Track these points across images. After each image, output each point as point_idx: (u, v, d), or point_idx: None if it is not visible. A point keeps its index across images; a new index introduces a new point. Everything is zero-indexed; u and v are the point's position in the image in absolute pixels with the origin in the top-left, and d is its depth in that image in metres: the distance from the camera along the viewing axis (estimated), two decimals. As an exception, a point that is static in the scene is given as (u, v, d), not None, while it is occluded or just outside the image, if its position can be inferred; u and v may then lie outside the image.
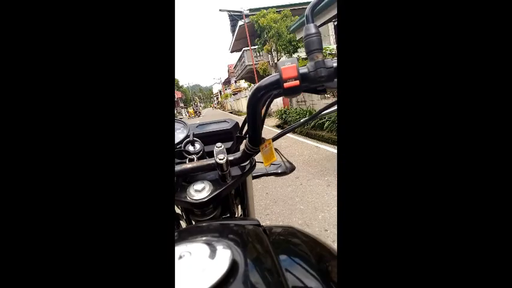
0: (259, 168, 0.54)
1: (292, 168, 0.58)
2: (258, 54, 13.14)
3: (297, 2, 12.83)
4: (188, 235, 0.31)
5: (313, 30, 0.32)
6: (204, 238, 0.27)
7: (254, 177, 0.61)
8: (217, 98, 63.02)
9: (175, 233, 0.31)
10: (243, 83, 27.11)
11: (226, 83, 38.12)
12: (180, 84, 58.93)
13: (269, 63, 11.59)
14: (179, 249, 0.23)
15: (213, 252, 0.22)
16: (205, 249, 0.23)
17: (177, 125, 0.52)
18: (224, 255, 0.22)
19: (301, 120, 0.46)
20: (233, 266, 0.21)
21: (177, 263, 0.21)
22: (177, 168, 0.43)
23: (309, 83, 0.33)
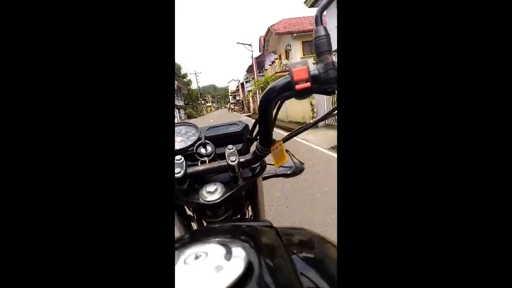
0: (269, 169, 0.56)
1: (301, 170, 0.59)
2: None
3: None
4: (203, 236, 0.31)
5: (322, 32, 0.33)
6: (219, 239, 0.27)
7: (264, 179, 0.62)
8: (234, 97, 47.23)
9: (189, 234, 0.32)
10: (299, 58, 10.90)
11: (258, 67, 22.41)
12: (183, 72, 42.64)
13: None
14: (195, 249, 0.24)
15: (228, 253, 0.23)
16: (221, 249, 0.23)
17: (188, 129, 0.54)
18: (240, 256, 0.22)
19: (311, 121, 0.47)
20: (249, 267, 0.21)
21: (194, 263, 0.22)
22: (190, 170, 0.45)
23: (320, 85, 0.33)
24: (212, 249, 0.23)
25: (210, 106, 66.67)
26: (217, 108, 78.18)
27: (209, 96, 72.29)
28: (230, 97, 67.34)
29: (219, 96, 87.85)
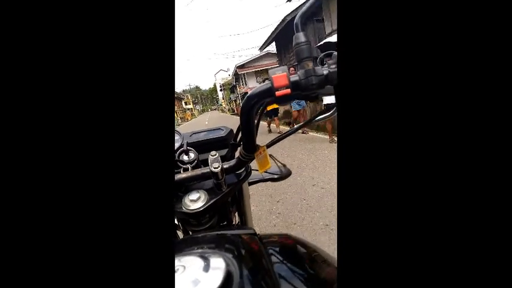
0: (255, 174, 0.56)
1: (288, 173, 0.59)
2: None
3: None
4: (183, 247, 0.31)
5: (303, 39, 0.33)
6: (198, 250, 0.28)
7: (250, 184, 0.63)
8: (233, 90, 27.07)
9: None
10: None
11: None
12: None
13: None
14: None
15: (207, 265, 0.23)
16: (199, 262, 0.24)
17: None
18: (218, 267, 0.23)
19: (296, 126, 0.48)
20: (227, 278, 0.22)
21: None
22: None
23: (301, 91, 0.33)
24: (190, 262, 0.24)
25: (191, 109, 46.34)
26: (203, 111, 57.67)
27: (188, 95, 52.62)
28: (220, 93, 47.11)
29: (204, 96, 68.81)
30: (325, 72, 0.32)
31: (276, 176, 0.59)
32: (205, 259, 0.24)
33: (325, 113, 0.45)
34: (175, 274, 0.22)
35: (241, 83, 24.67)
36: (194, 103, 61.45)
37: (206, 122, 19.38)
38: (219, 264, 0.23)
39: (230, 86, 32.15)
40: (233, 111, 28.94)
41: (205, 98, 74.85)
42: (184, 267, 0.23)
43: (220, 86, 41.00)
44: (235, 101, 28.63)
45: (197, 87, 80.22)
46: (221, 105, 48.11)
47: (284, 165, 0.58)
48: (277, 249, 0.35)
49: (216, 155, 0.45)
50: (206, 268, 0.22)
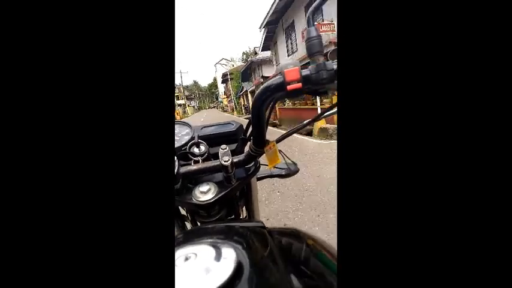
0: (264, 170, 0.58)
1: (296, 170, 0.61)
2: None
3: None
4: (194, 236, 0.32)
5: (314, 33, 0.34)
6: (209, 240, 0.28)
7: (258, 179, 0.64)
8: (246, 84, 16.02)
9: (181, 235, 0.33)
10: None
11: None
12: None
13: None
14: (185, 251, 0.25)
15: (218, 254, 0.23)
16: (211, 250, 0.24)
17: (182, 128, 0.56)
18: (229, 257, 0.23)
19: (304, 122, 0.49)
20: (238, 268, 0.22)
21: (183, 265, 0.23)
22: (182, 170, 0.47)
23: (311, 85, 0.34)
24: (202, 251, 0.24)
25: (184, 105, 36.55)
26: (199, 109, 48.08)
27: (181, 87, 43.05)
28: (221, 87, 37.46)
29: (202, 93, 60.14)
30: (335, 66, 0.32)
31: (284, 172, 0.60)
32: (217, 248, 0.24)
33: (333, 109, 0.46)
34: (187, 262, 0.23)
35: (292, 34, 10.68)
36: (189, 98, 52.26)
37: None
38: (230, 254, 0.23)
39: (241, 71, 21.97)
40: (246, 110, 19.25)
41: (204, 95, 66.39)
42: (196, 255, 0.23)
43: (223, 77, 31.20)
44: (252, 92, 18.53)
45: (195, 82, 71.71)
46: (221, 102, 38.12)
47: (293, 163, 0.58)
48: (285, 242, 0.36)
49: (226, 148, 0.46)
50: (217, 257, 0.23)
